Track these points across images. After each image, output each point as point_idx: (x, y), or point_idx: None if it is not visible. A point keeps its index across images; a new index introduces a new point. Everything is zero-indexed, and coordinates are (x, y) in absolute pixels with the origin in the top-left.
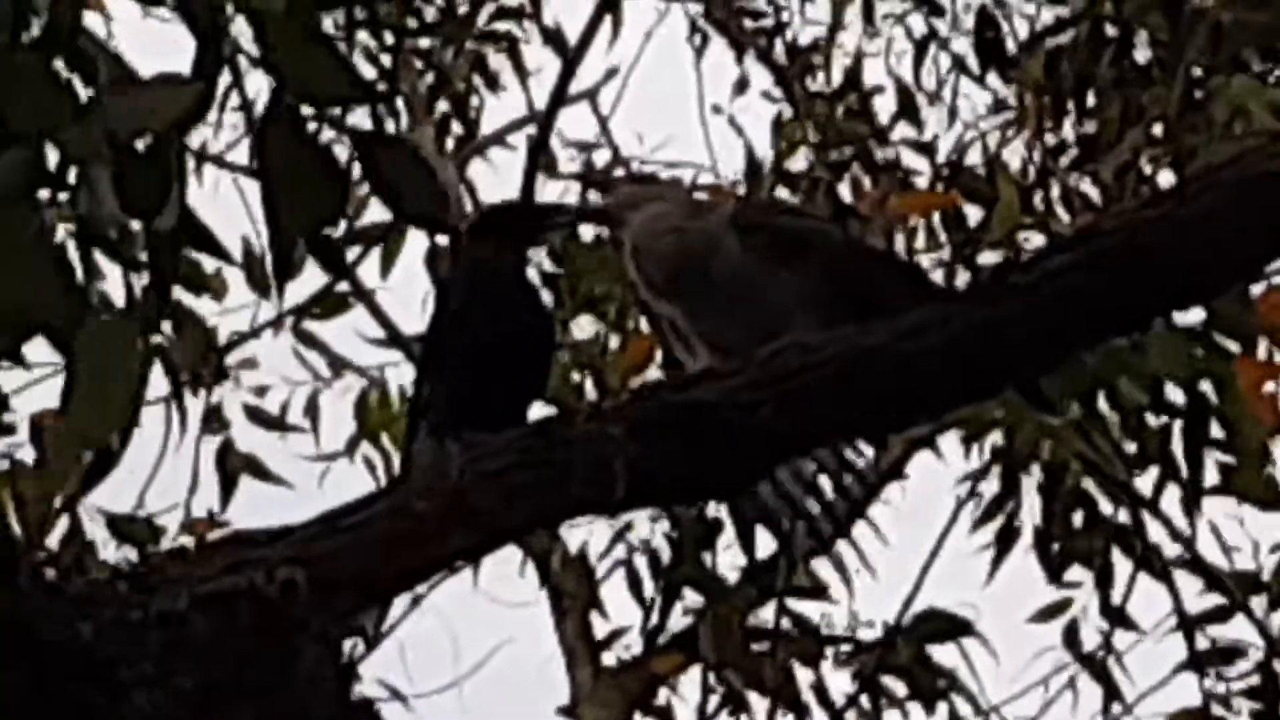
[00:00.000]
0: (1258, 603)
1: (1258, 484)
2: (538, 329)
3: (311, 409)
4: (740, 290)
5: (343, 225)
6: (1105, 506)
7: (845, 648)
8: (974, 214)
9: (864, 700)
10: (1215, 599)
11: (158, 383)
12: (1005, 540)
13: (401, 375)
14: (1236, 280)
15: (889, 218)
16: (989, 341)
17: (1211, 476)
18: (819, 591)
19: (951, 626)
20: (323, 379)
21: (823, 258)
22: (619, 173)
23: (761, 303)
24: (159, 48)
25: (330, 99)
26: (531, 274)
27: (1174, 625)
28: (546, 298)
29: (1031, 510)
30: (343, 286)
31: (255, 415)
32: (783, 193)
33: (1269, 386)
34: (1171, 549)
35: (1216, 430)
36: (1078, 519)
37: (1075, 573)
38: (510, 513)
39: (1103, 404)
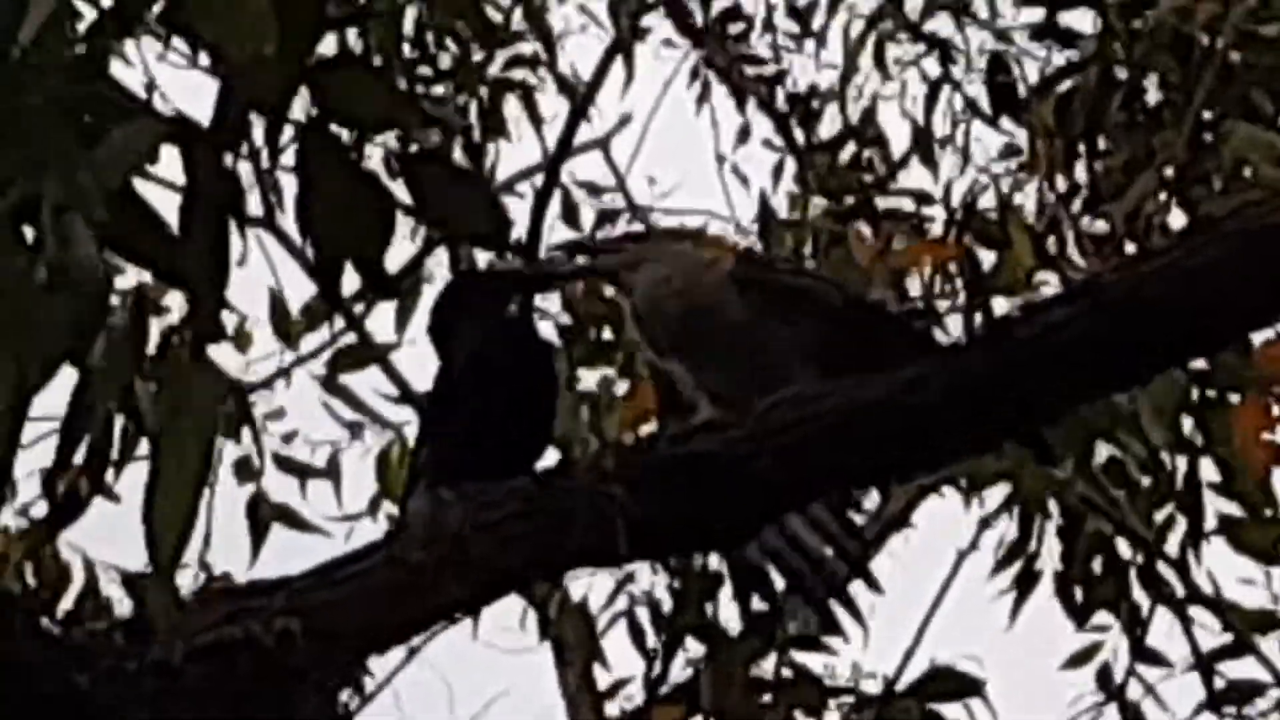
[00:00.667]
0: (1275, 638)
1: (1259, 536)
2: (541, 380)
3: (333, 467)
4: (740, 344)
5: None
6: (1124, 549)
7: (848, 699)
8: (988, 259)
9: None
10: (1229, 638)
11: None
12: (1025, 584)
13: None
14: (1240, 332)
15: (891, 268)
16: (990, 394)
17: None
18: (821, 643)
19: (961, 686)
20: (353, 428)
21: (820, 312)
22: (624, 223)
23: (760, 356)
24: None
25: (379, 123)
26: (544, 326)
27: (1191, 666)
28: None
29: (1050, 554)
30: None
31: (285, 464)
32: (791, 242)
33: (1267, 436)
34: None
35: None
36: (1097, 564)
37: (1098, 616)
38: (509, 563)
39: (1101, 455)
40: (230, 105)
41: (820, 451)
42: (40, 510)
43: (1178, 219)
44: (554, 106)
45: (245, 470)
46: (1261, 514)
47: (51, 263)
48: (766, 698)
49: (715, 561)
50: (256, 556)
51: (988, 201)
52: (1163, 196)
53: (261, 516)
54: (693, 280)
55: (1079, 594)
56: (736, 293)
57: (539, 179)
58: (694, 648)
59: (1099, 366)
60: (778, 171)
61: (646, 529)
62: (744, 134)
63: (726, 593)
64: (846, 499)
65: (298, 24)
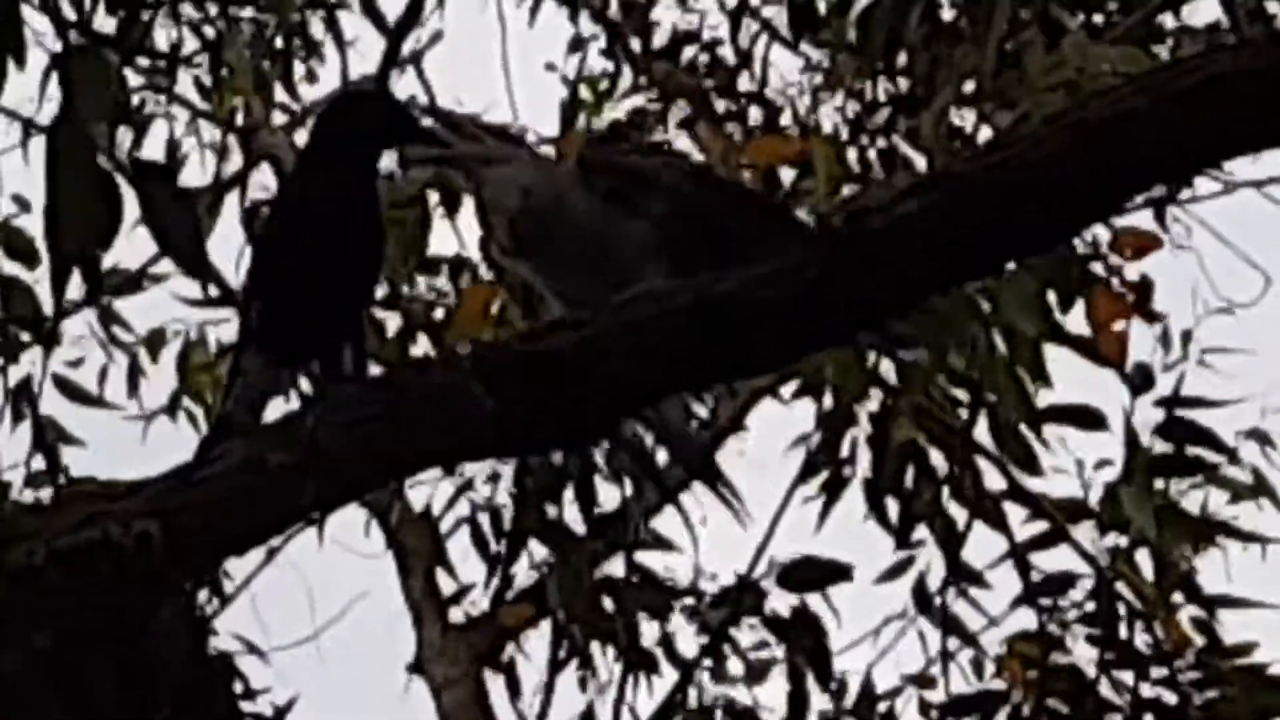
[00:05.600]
0: (1085, 529)
1: (1019, 450)
2: (366, 233)
3: (133, 373)
4: (588, 243)
5: None
6: (936, 457)
7: (690, 600)
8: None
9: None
10: (1042, 527)
11: None
12: (833, 491)
13: (225, 332)
14: (1088, 220)
15: (736, 167)
16: (844, 287)
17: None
18: (666, 544)
19: (828, 573)
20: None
21: (671, 193)
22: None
23: (611, 254)
24: None
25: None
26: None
27: (1006, 555)
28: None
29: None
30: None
31: (67, 389)
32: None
33: (1119, 325)
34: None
35: None
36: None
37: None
38: (364, 464)
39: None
40: None
41: (671, 348)
42: None
43: (984, 134)
44: (355, 28)
45: (25, 396)
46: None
47: None
48: (611, 601)
49: (559, 462)
50: (54, 481)
51: (785, 121)
52: (964, 112)
53: (50, 441)
54: (541, 182)
55: (894, 508)
56: (584, 189)
57: None
58: (538, 552)
59: (952, 255)
60: (577, 81)
61: (503, 426)
62: (576, 44)
63: (569, 496)
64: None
65: None
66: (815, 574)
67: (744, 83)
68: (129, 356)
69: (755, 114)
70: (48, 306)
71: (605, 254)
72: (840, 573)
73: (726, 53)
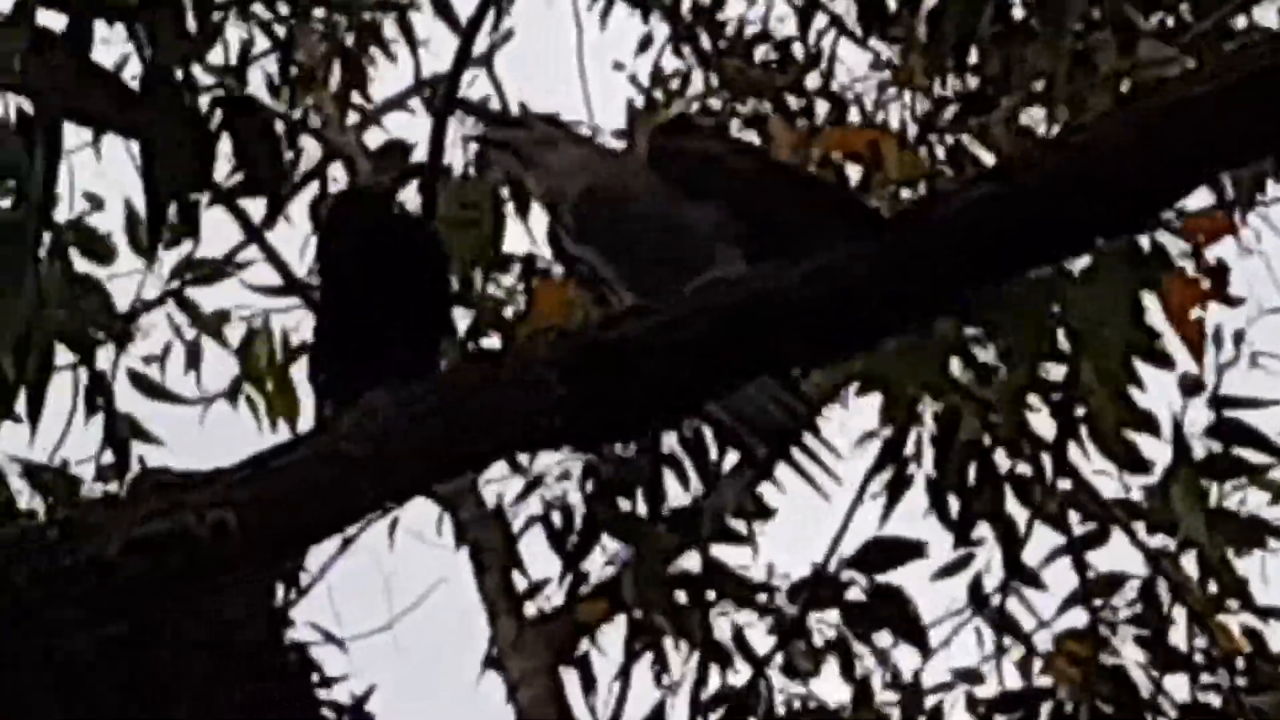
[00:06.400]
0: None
1: (1115, 442)
2: (423, 261)
3: (195, 354)
4: (657, 230)
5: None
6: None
7: (763, 597)
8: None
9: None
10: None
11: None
12: (896, 489)
13: (290, 321)
14: (1152, 209)
15: (805, 160)
16: (915, 274)
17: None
18: (741, 538)
19: (901, 552)
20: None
21: (740, 180)
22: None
23: (680, 241)
24: None
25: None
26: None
27: (1060, 551)
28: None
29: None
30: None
31: (140, 382)
32: None
33: (1196, 311)
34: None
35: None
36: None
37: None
38: (440, 453)
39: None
40: None
41: (744, 336)
42: None
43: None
44: (427, 29)
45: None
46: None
47: None
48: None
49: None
50: (121, 476)
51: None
52: (1036, 110)
53: (120, 435)
54: (604, 167)
55: (955, 505)
56: (652, 176)
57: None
58: (611, 547)
59: (1017, 243)
60: (655, 77)
61: (577, 414)
62: (645, 43)
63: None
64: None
65: None
66: (889, 553)
67: (813, 80)
68: (193, 340)
69: (823, 109)
70: (121, 304)
71: (675, 241)
72: (913, 550)
73: (796, 50)
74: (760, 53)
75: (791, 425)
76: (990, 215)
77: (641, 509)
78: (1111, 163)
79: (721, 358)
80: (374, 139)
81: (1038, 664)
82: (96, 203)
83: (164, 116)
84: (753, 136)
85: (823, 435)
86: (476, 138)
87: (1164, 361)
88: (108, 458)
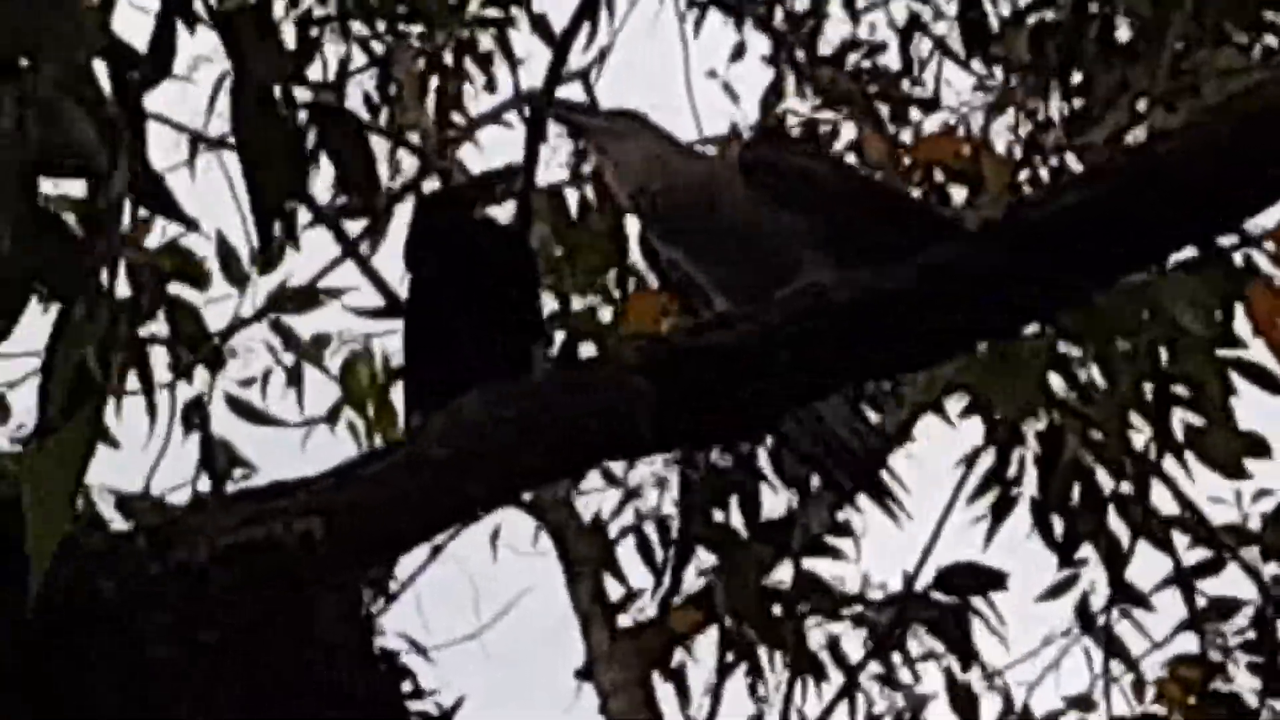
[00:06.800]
0: (1249, 555)
1: (1222, 447)
2: (511, 268)
3: (296, 377)
4: (746, 235)
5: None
6: (1103, 477)
7: (857, 608)
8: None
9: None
10: (1208, 553)
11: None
12: (1001, 510)
13: (391, 344)
14: (1252, 210)
15: (898, 171)
16: (1006, 279)
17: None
18: (833, 551)
19: (984, 580)
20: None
21: (830, 196)
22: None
23: (770, 247)
24: None
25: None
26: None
27: (1170, 580)
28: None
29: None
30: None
31: (237, 406)
32: None
33: None
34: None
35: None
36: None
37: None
38: (529, 458)
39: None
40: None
41: (836, 343)
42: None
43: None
44: (526, 46)
45: (197, 414)
46: (1224, 423)
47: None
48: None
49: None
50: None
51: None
52: (1138, 131)
53: (219, 465)
54: (688, 166)
55: (1059, 525)
56: (742, 183)
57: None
58: (704, 559)
59: (1114, 245)
60: (775, 87)
61: (667, 420)
62: (739, 51)
63: (734, 502)
64: (860, 393)
65: None
66: (971, 580)
67: (904, 85)
68: (292, 365)
69: (915, 115)
70: (214, 325)
71: (764, 247)
72: (996, 579)
73: (889, 59)
74: (853, 60)
75: (864, 455)
76: (1076, 220)
77: (736, 520)
78: (1190, 169)
79: (812, 365)
80: (471, 156)
81: (1150, 690)
82: (191, 224)
83: (259, 124)
84: (842, 146)
85: (892, 467)
86: (554, 116)
87: (1270, 384)
88: (203, 485)
